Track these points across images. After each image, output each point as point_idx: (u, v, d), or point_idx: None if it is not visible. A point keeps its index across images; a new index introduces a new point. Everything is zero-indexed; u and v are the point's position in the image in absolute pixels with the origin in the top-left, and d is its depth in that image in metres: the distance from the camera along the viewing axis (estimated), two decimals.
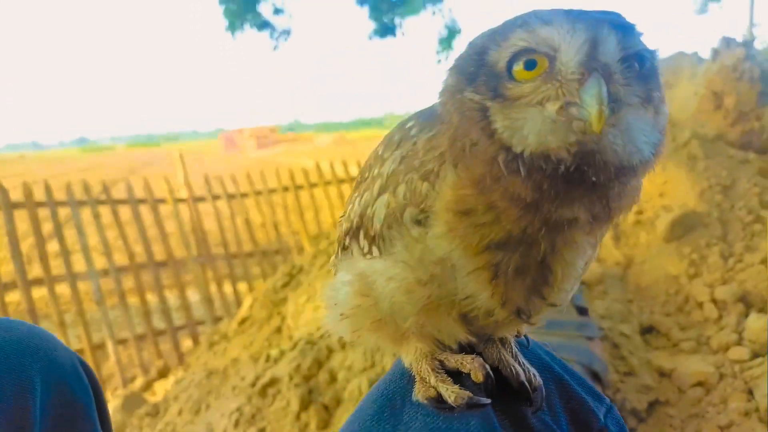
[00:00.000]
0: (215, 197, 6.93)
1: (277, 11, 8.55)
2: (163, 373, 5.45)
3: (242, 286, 7.00)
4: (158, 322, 6.24)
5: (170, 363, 5.77)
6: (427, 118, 0.73)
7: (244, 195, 7.16)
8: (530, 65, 0.60)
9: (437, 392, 0.72)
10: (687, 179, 3.10)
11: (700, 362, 2.44)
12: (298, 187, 7.30)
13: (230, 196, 7.06)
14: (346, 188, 7.32)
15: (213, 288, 6.75)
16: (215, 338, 4.79)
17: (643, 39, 0.62)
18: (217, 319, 6.24)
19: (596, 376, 2.16)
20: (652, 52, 0.62)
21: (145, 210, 6.24)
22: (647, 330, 2.67)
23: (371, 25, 8.49)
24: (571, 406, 0.87)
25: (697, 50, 4.52)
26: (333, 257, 0.95)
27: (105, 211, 6.04)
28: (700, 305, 2.69)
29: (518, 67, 0.61)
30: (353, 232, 0.79)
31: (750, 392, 2.31)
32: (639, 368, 2.39)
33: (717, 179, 3.09)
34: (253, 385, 3.09)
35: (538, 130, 0.58)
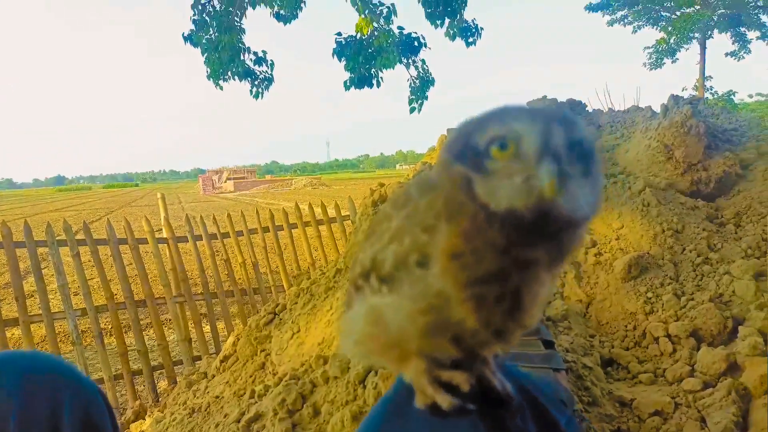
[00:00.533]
0: (196, 237, 7.04)
1: (259, 60, 8.83)
2: (139, 415, 5.44)
3: (221, 326, 7.06)
4: (135, 363, 6.24)
5: (147, 404, 5.77)
6: (426, 185, 0.98)
7: (224, 235, 7.28)
8: (503, 147, 0.87)
9: (434, 401, 0.96)
10: (641, 224, 3.38)
11: (657, 393, 2.66)
12: (278, 228, 7.45)
13: (211, 236, 7.17)
14: (324, 229, 7.50)
15: (192, 328, 6.79)
16: (194, 377, 4.85)
17: (583, 129, 0.89)
18: (195, 359, 6.27)
19: (563, 406, 2.35)
20: (590, 138, 0.89)
21: (124, 249, 6.32)
22: (608, 363, 2.89)
23: (348, 75, 8.82)
24: (538, 414, 1.11)
25: (650, 104, 4.92)
26: (346, 297, 1.20)
27: (84, 250, 6.10)
28: (656, 340, 2.93)
29: (494, 149, 0.88)
30: (366, 275, 1.04)
31: (703, 420, 2.53)
32: (601, 398, 2.60)
33: (669, 224, 3.38)
34: (238, 421, 3.20)
35: (508, 195, 0.85)
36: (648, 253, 3.25)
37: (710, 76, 19.63)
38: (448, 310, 0.93)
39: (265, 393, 3.33)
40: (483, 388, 1.03)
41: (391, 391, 1.09)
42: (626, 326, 3.03)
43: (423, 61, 9.52)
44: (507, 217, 0.86)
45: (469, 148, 0.89)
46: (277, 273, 7.42)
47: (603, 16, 20.52)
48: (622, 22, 20.35)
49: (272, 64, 9.14)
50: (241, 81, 8.75)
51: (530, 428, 1.08)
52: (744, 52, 18.47)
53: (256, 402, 3.30)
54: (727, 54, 18.82)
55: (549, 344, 2.62)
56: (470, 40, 9.52)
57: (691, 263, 3.24)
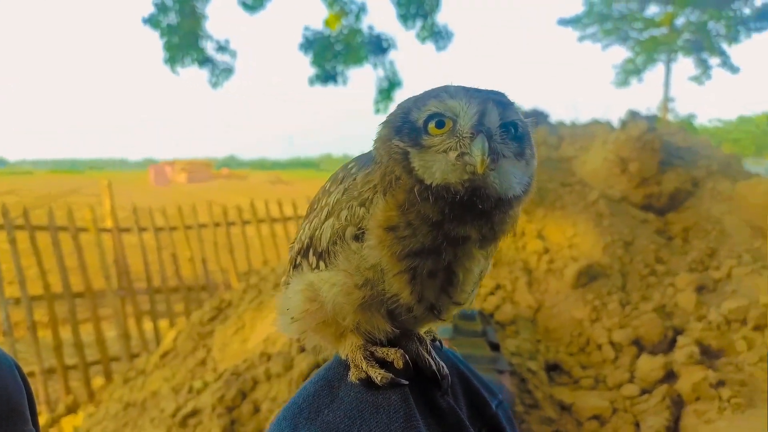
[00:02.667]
0: (142, 229, 6.81)
1: (221, 48, 8.67)
2: (71, 409, 5.19)
3: (163, 323, 6.83)
4: (70, 357, 5.96)
5: (80, 399, 5.51)
6: (364, 160, 0.97)
7: (173, 228, 7.06)
8: (440, 125, 0.89)
9: (367, 375, 0.95)
10: (593, 234, 3.42)
11: (596, 398, 2.67)
12: (231, 224, 7.29)
13: (158, 229, 6.95)
14: (279, 228, 7.38)
15: (132, 323, 6.54)
16: (131, 374, 4.65)
17: (518, 112, 0.92)
18: (134, 356, 6.04)
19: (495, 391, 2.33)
20: (524, 122, 0.91)
21: (65, 238, 6.04)
22: (552, 367, 2.90)
23: (313, 71, 8.76)
24: (470, 395, 1.11)
25: (610, 119, 5.03)
26: (284, 276, 1.19)
27: (22, 237, 5.80)
28: (599, 347, 2.96)
29: (431, 125, 0.89)
30: (304, 252, 1.03)
31: (637, 425, 2.55)
32: (543, 402, 2.59)
33: (620, 235, 3.44)
34: (174, 416, 3.06)
35: (443, 170, 0.86)
36: (598, 262, 3.29)
37: (673, 98, 20.43)
38: (382, 284, 0.92)
39: (204, 388, 3.21)
40: (418, 367, 1.01)
41: (323, 368, 1.06)
42: (572, 333, 3.05)
43: (392, 62, 9.57)
44: (441, 191, 0.86)
45: (407, 123, 0.92)
46: (226, 271, 7.25)
47: (574, 31, 21.13)
48: (592, 39, 20.97)
49: (234, 54, 8.99)
50: (200, 68, 8.58)
51: (461, 407, 1.07)
52: (705, 78, 19.27)
53: (194, 397, 3.17)
54: (690, 78, 19.62)
55: (495, 347, 2.60)
56: (441, 44, 9.62)
57: (639, 274, 3.30)
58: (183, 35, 7.82)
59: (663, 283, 3.24)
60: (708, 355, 2.78)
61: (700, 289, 3.18)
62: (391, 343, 1.02)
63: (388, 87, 9.82)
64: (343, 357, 1.02)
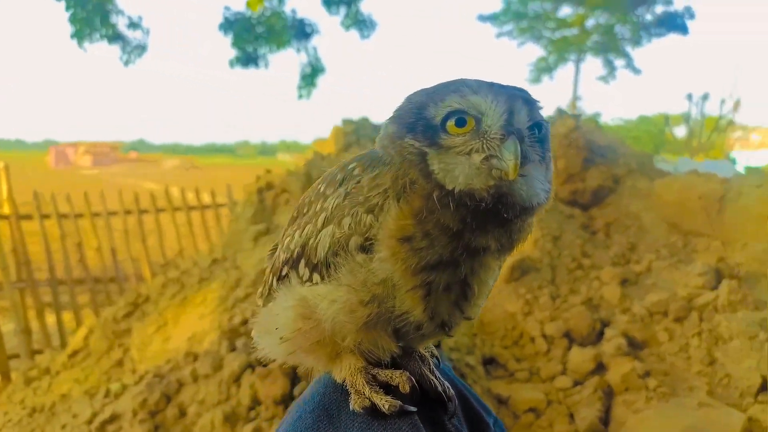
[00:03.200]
0: (44, 216, 6.26)
1: (133, 25, 8.11)
2: None
3: (68, 316, 6.33)
4: None
5: None
6: (369, 160, 0.84)
7: (78, 215, 6.55)
8: (461, 123, 0.77)
9: (371, 402, 0.83)
10: None
11: (532, 390, 2.73)
12: (143, 211, 6.85)
13: (62, 216, 6.42)
14: (197, 216, 7.03)
15: (32, 317, 6.01)
16: (33, 373, 4.26)
17: (541, 112, 0.81)
18: (35, 353, 5.55)
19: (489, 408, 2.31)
20: (547, 123, 0.81)
21: None
22: (488, 361, 2.93)
23: (233, 53, 8.40)
24: (469, 414, 1.02)
25: None
26: (262, 288, 1.03)
27: None
28: (533, 340, 3.03)
29: (451, 123, 0.78)
30: (293, 262, 0.89)
31: (571, 416, 2.63)
32: (481, 395, 2.61)
33: (549, 230, 3.53)
34: (90, 422, 2.82)
35: (467, 174, 0.75)
36: (529, 256, 3.36)
37: (581, 97, 21.49)
38: (392, 300, 0.81)
39: (123, 392, 2.97)
40: (422, 388, 0.92)
41: (316, 393, 0.93)
42: (506, 326, 3.10)
43: (315, 48, 9.36)
44: (463, 197, 0.75)
45: (421, 120, 0.81)
46: (138, 261, 6.82)
47: (493, 28, 21.69)
48: (509, 36, 21.62)
49: (147, 31, 8.44)
50: (110, 45, 7.97)
51: (463, 429, 0.98)
52: (611, 78, 20.48)
53: (112, 401, 2.93)
54: (597, 78, 20.75)
55: (436, 343, 2.57)
56: (365, 33, 9.51)
57: (567, 268, 3.41)
58: (92, 9, 7.20)
59: (589, 277, 3.37)
60: (633, 346, 2.92)
61: (623, 282, 3.33)
62: (392, 363, 0.90)
63: (311, 73, 9.61)
64: (340, 380, 0.90)
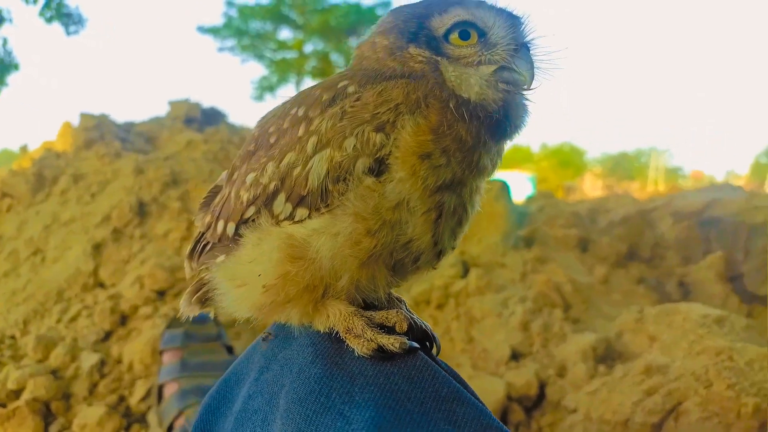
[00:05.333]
0: None
1: None
2: None
3: None
4: None
5: None
6: (362, 76, 0.75)
7: None
8: (465, 36, 0.77)
9: (378, 344, 0.78)
10: None
11: None
12: None
13: None
14: None
15: None
16: None
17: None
18: None
19: None
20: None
21: None
22: None
23: None
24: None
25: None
26: (194, 246, 0.87)
27: None
28: None
29: (454, 35, 0.78)
30: (266, 199, 0.74)
31: None
32: None
33: None
34: None
35: (480, 84, 0.73)
36: None
37: None
38: (400, 227, 0.75)
39: None
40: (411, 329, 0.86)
41: (304, 345, 0.82)
42: None
43: (5, 38, 7.91)
44: (476, 109, 0.74)
45: (423, 30, 0.78)
46: None
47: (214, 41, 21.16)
48: (231, 52, 21.37)
49: None
50: None
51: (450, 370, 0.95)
52: None
53: None
54: None
55: (230, 350, 2.41)
56: (72, 28, 8.38)
57: None
58: None
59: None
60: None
61: None
62: (373, 306, 0.84)
63: (0, 69, 8.14)
64: (325, 329, 0.81)
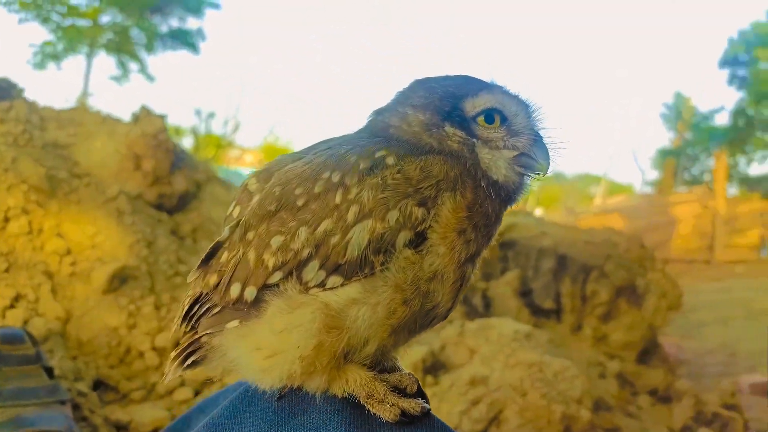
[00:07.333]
0: None
1: None
2: None
3: None
4: None
5: None
6: (397, 148, 0.76)
7: None
8: (490, 119, 0.83)
9: (399, 408, 0.78)
10: (117, 233, 3.18)
11: (152, 409, 2.53)
12: None
13: None
14: None
15: None
16: None
17: None
18: None
19: None
20: None
21: None
22: (96, 385, 2.55)
23: None
24: None
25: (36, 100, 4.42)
26: (183, 311, 0.77)
27: None
28: (142, 354, 2.79)
29: (481, 118, 0.81)
30: (297, 266, 0.70)
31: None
32: (102, 427, 2.26)
33: (143, 234, 3.31)
34: None
35: (505, 167, 0.79)
36: (126, 263, 3.08)
37: (92, 93, 19.87)
38: (430, 296, 0.78)
39: None
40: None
41: (328, 410, 0.80)
42: (110, 343, 2.75)
43: None
44: (497, 189, 0.81)
45: (456, 110, 0.83)
46: None
47: None
48: (5, 7, 18.07)
49: None
50: None
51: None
52: (125, 80, 19.68)
53: None
54: (110, 77, 19.55)
55: (51, 372, 2.14)
56: None
57: (164, 275, 3.27)
58: None
59: (187, 283, 3.33)
60: None
61: None
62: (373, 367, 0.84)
63: None
64: (343, 393, 0.80)
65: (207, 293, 0.84)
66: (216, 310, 0.83)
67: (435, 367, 2.88)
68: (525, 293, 4.33)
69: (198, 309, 0.85)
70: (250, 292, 0.78)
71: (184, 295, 0.91)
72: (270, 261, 0.77)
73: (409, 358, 2.82)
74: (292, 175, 0.81)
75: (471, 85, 0.90)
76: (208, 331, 0.82)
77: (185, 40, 20.52)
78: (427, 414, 0.84)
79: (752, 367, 5.29)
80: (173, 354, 0.86)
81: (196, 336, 0.84)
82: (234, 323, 0.79)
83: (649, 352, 4.11)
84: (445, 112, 0.87)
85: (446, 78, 0.91)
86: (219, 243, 0.89)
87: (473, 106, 0.88)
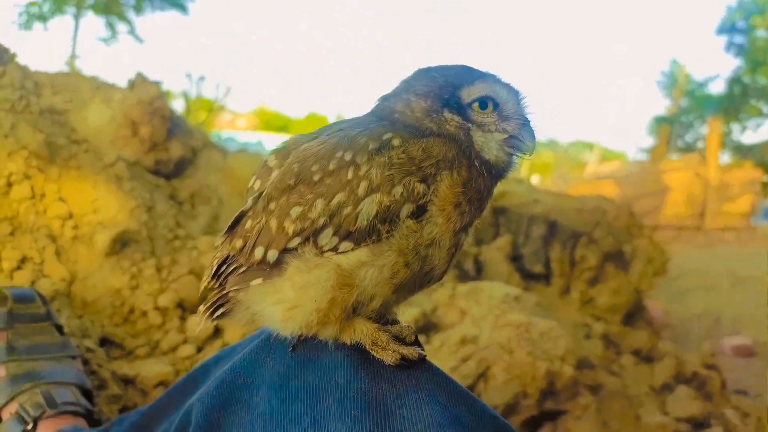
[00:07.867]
0: None
1: None
2: None
3: None
4: None
5: None
6: (402, 130, 0.86)
7: None
8: (483, 106, 0.94)
9: (400, 354, 0.95)
10: (117, 198, 3.25)
11: (156, 364, 2.65)
12: None
13: None
14: None
15: None
16: None
17: None
18: None
19: (88, 394, 2.08)
20: None
21: None
22: (102, 342, 2.66)
23: None
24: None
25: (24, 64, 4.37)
26: (211, 271, 0.93)
27: None
28: (145, 314, 2.89)
29: (476, 104, 0.92)
30: (313, 232, 0.87)
31: None
32: (110, 380, 2.38)
33: (142, 200, 3.38)
34: None
35: (497, 148, 0.90)
36: (127, 227, 3.16)
37: (79, 55, 19.61)
38: (430, 260, 0.92)
39: None
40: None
41: (338, 355, 0.96)
42: (114, 303, 2.86)
43: None
44: (490, 167, 0.93)
45: (454, 98, 0.96)
46: None
47: None
48: None
49: None
50: None
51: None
52: (113, 41, 19.42)
53: None
54: (99, 39, 19.30)
55: (60, 329, 2.26)
56: None
57: (164, 238, 3.35)
58: None
59: (187, 247, 3.41)
60: None
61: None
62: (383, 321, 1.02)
63: None
64: (351, 341, 0.96)
65: (233, 255, 0.98)
66: (242, 269, 0.97)
67: (427, 327, 3.00)
68: (516, 258, 4.44)
69: (226, 269, 0.98)
70: (273, 255, 0.92)
71: (212, 257, 1.06)
72: (290, 228, 0.91)
73: (404, 318, 2.93)
74: (309, 154, 0.93)
75: (468, 75, 1.02)
76: (235, 288, 0.96)
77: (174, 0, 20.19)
78: (423, 359, 0.97)
79: (736, 332, 5.47)
80: (202, 308, 1.02)
81: (224, 291, 0.98)
82: (258, 281, 0.94)
83: (634, 315, 4.26)
84: (444, 99, 1.00)
85: (446, 68, 1.03)
86: (243, 212, 1.03)
87: (469, 94, 1.01)
